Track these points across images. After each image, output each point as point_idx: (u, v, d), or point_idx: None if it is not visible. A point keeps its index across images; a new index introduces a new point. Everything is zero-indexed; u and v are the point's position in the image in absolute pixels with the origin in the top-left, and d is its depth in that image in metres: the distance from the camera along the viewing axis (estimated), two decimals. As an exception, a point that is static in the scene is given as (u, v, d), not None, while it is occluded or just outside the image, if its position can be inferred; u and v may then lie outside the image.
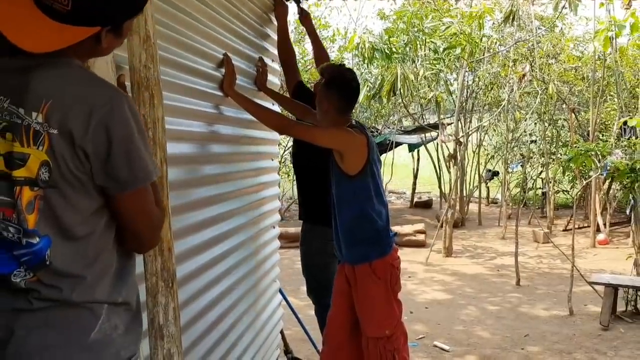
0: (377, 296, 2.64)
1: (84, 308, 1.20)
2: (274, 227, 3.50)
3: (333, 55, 10.95)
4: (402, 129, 13.01)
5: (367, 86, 9.39)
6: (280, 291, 3.77)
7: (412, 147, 13.47)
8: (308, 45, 11.19)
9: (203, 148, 2.40)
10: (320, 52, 3.30)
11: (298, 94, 3.17)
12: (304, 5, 3.39)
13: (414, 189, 14.49)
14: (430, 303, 6.17)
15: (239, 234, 2.79)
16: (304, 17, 3.36)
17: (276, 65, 3.36)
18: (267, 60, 3.24)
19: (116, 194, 1.19)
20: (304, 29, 4.27)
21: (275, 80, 3.43)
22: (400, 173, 16.63)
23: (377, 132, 12.48)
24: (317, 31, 10.73)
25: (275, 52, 3.30)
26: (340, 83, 2.55)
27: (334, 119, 2.60)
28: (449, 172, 9.84)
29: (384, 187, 13.09)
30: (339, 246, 2.73)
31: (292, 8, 3.53)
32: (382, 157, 12.91)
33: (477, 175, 13.16)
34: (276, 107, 3.33)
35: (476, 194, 13.18)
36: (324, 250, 3.05)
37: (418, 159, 14.19)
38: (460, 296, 6.44)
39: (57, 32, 1.12)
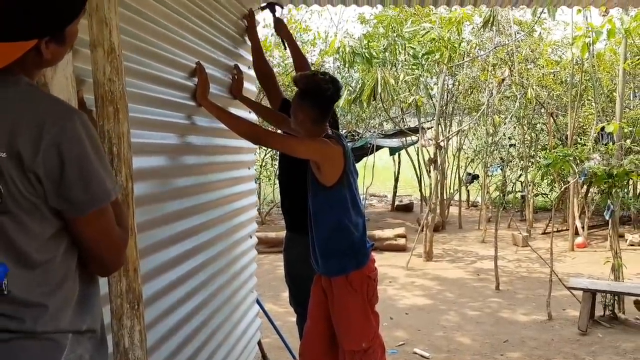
0: (354, 308, 2.59)
1: (47, 339, 1.13)
2: (250, 237, 3.45)
3: (314, 59, 10.92)
4: (383, 132, 13.02)
5: (348, 90, 9.39)
6: (258, 301, 3.72)
7: (393, 151, 13.48)
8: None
9: (174, 160, 2.34)
10: (299, 60, 3.24)
11: (285, 111, 3.11)
12: (278, 13, 3.32)
13: (395, 192, 14.49)
14: (410, 309, 6.14)
15: (214, 246, 2.73)
16: (279, 25, 3.30)
17: (252, 73, 3.30)
18: (243, 68, 3.18)
19: (73, 217, 1.13)
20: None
21: (251, 87, 3.38)
22: (382, 176, 16.63)
23: (358, 135, 12.47)
24: (297, 34, 10.71)
25: (251, 58, 3.24)
26: (314, 93, 2.50)
27: (309, 130, 2.55)
28: (429, 176, 9.86)
29: (365, 190, 13.15)
30: (315, 258, 2.68)
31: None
32: (363, 160, 12.94)
33: (457, 179, 13.21)
34: (253, 116, 3.28)
35: (457, 197, 13.22)
36: (306, 259, 2.99)
37: (399, 163, 14.20)
38: (440, 301, 6.42)
39: None
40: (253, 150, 3.53)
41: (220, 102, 2.82)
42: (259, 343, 3.84)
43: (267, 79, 3.25)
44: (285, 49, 3.36)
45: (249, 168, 3.41)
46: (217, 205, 2.79)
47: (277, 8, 3.31)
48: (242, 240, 3.26)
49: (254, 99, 3.32)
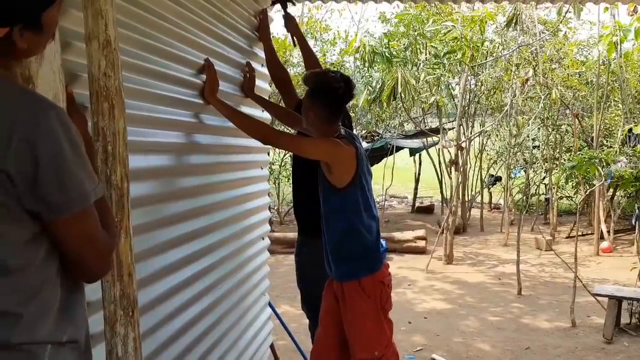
0: (366, 315, 2.49)
1: (22, 351, 1.05)
2: (263, 239, 3.37)
3: (334, 58, 10.84)
4: (404, 133, 12.88)
5: (368, 90, 9.29)
6: (270, 304, 3.64)
7: (413, 152, 13.34)
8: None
9: (180, 159, 2.27)
10: (310, 58, 3.16)
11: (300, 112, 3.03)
12: (290, 10, 3.23)
13: (415, 193, 14.34)
14: (429, 313, 6.02)
15: (222, 249, 2.65)
16: (290, 22, 3.21)
17: (266, 70, 3.22)
18: (256, 66, 3.10)
19: (51, 220, 1.05)
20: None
21: (264, 85, 3.30)
22: (402, 177, 16.47)
23: (378, 136, 12.35)
24: (317, 34, 10.63)
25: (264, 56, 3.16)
26: (324, 92, 2.41)
27: (320, 129, 2.46)
28: (450, 178, 9.69)
29: (385, 191, 13.00)
30: (328, 261, 2.59)
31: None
32: (383, 161, 12.81)
33: (479, 181, 13.00)
34: (266, 115, 3.20)
35: (478, 199, 13.01)
36: (318, 263, 2.91)
37: (420, 163, 14.04)
38: (460, 306, 6.29)
39: None
40: (266, 150, 3.45)
41: (232, 101, 2.75)
42: (272, 346, 3.76)
43: (281, 79, 3.17)
44: (294, 46, 3.27)
45: (261, 168, 3.33)
46: (226, 206, 2.71)
47: (289, 4, 3.22)
48: (254, 242, 3.17)
49: (267, 98, 3.24)
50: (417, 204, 14.30)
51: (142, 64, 1.94)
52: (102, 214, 1.13)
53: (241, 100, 2.90)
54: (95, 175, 1.11)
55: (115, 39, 1.46)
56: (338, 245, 2.51)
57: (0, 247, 1.02)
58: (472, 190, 12.94)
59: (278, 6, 3.28)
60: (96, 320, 1.48)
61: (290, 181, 12.10)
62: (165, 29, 2.11)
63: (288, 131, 3.59)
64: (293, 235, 8.49)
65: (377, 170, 14.16)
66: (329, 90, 2.39)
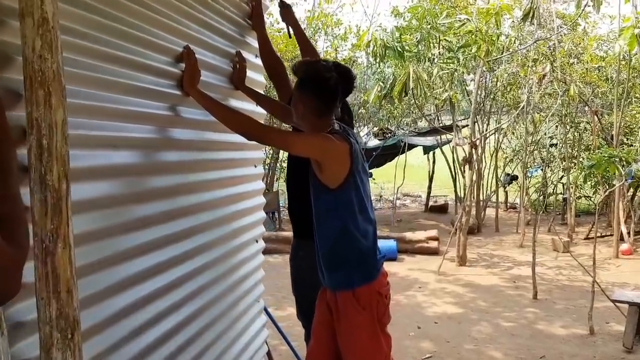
0: (361, 328, 2.26)
1: None
2: (257, 241, 3.15)
3: (345, 53, 10.60)
4: (417, 130, 12.61)
5: (379, 86, 9.04)
6: (266, 310, 3.43)
7: (427, 149, 13.07)
8: (320, 44, 10.85)
9: (154, 156, 2.06)
10: (307, 50, 2.93)
11: None
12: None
13: (429, 192, 14.07)
14: (440, 317, 5.78)
15: (207, 253, 2.45)
16: (286, 11, 2.99)
17: (260, 62, 3.01)
18: (249, 56, 2.89)
19: None
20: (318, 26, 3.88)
21: (258, 77, 3.08)
22: (416, 175, 16.18)
23: (390, 133, 12.10)
24: (328, 28, 10.40)
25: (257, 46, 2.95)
26: (314, 82, 2.18)
27: (311, 123, 2.24)
28: (464, 177, 9.42)
29: (397, 190, 12.76)
30: (320, 268, 2.37)
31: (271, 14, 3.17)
32: (395, 159, 12.56)
33: (494, 179, 12.69)
34: (259, 109, 2.98)
35: (494, 198, 12.70)
36: (314, 266, 2.70)
37: (434, 161, 13.77)
38: (472, 310, 6.04)
39: None
40: (260, 147, 3.23)
41: (219, 93, 2.54)
42: (269, 354, 3.56)
43: (275, 71, 2.96)
44: (290, 37, 3.06)
45: (255, 166, 3.12)
46: (211, 207, 2.50)
47: None
48: (246, 245, 2.97)
49: (261, 91, 3.03)
50: (430, 203, 14.04)
51: (108, 50, 1.74)
52: (4, 225, 0.92)
53: (230, 93, 2.69)
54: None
55: (54, 16, 1.25)
56: (330, 251, 2.28)
57: None
58: (487, 189, 12.65)
59: None
60: (31, 344, 1.28)
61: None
62: (135, 12, 1.90)
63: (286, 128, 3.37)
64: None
65: (389, 168, 13.96)
66: (319, 81, 2.17)
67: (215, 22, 2.53)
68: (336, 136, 2.19)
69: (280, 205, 11.24)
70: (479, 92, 9.29)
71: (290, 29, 3.02)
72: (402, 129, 12.27)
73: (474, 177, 8.96)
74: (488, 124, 11.72)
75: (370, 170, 8.64)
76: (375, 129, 12.69)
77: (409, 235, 9.13)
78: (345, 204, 2.22)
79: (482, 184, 11.56)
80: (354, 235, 2.25)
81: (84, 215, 1.57)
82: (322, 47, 11.16)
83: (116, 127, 1.80)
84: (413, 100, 9.06)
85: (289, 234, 9.27)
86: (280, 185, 13.53)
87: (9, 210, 0.96)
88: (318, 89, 2.18)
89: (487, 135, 10.83)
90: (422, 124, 13.22)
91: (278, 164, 11.89)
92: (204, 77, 2.31)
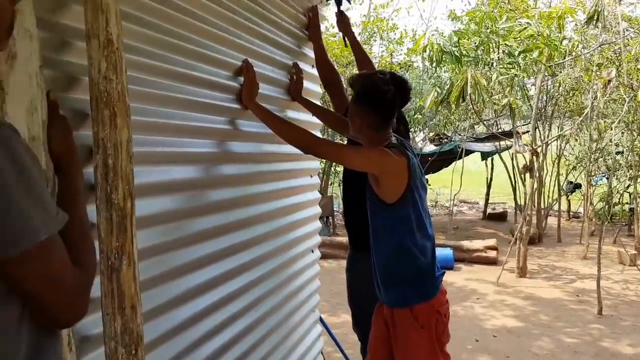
0: (419, 347, 2.20)
1: None
2: (312, 251, 3.14)
3: (400, 58, 10.50)
4: (475, 136, 12.34)
5: (435, 91, 8.91)
6: (322, 320, 3.42)
7: (485, 155, 12.77)
8: (375, 48, 10.80)
9: (214, 170, 2.08)
10: (363, 60, 2.90)
11: None
12: (344, 7, 2.99)
13: (487, 199, 13.73)
14: (499, 331, 5.61)
15: (265, 264, 2.45)
16: (342, 20, 2.97)
17: (316, 72, 3.00)
18: (306, 67, 2.89)
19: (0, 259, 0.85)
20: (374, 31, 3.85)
21: (314, 88, 3.08)
22: (474, 181, 15.83)
23: (446, 138, 11.89)
24: (384, 33, 10.33)
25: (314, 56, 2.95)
26: (371, 96, 2.15)
27: (368, 137, 2.21)
28: (524, 185, 9.14)
29: (453, 197, 12.51)
30: (377, 284, 2.33)
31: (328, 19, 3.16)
32: (452, 165, 12.33)
33: (557, 187, 12.25)
34: (315, 119, 2.98)
35: (556, 207, 12.26)
36: (370, 279, 2.66)
37: (492, 168, 13.42)
38: (533, 324, 5.83)
39: None
40: (316, 157, 3.22)
41: (276, 104, 2.55)
42: (323, 364, 3.54)
43: (330, 81, 2.95)
44: (346, 46, 3.04)
45: (310, 176, 3.11)
46: (268, 219, 2.51)
47: (344, 1, 2.98)
48: (302, 255, 2.96)
49: (317, 101, 3.02)
50: (488, 211, 13.70)
51: (169, 67, 1.77)
52: (74, 248, 0.93)
53: (287, 104, 2.69)
54: (52, 204, 0.90)
55: (118, 38, 1.28)
56: (388, 267, 2.24)
57: None
58: (548, 197, 12.22)
59: (332, 3, 3.06)
60: (97, 357, 1.31)
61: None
62: (197, 28, 1.93)
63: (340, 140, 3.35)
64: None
65: (445, 174, 13.72)
66: (377, 94, 2.14)
67: (273, 35, 2.54)
68: (394, 150, 2.15)
69: (334, 209, 11.23)
70: (540, 96, 8.99)
71: (347, 40, 3.01)
72: (459, 134, 12.03)
73: (535, 185, 8.67)
74: (549, 130, 11.33)
75: (425, 176, 8.51)
76: (431, 134, 12.51)
77: (466, 243, 8.93)
78: (402, 220, 2.17)
79: (544, 192, 11.18)
80: (412, 252, 2.20)
81: (145, 230, 1.59)
82: (377, 51, 11.12)
83: (178, 143, 1.82)
84: (471, 106, 8.87)
85: (343, 239, 9.25)
86: (334, 190, 13.53)
87: (77, 232, 0.97)
88: (375, 102, 2.15)
89: (549, 142, 10.48)
90: (480, 129, 12.93)
91: (332, 169, 11.89)
92: (261, 89, 2.32)
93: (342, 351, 3.77)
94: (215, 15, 2.05)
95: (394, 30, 10.34)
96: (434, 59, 7.74)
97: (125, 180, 1.28)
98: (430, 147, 12.70)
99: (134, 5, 1.59)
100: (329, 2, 3.06)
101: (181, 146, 1.86)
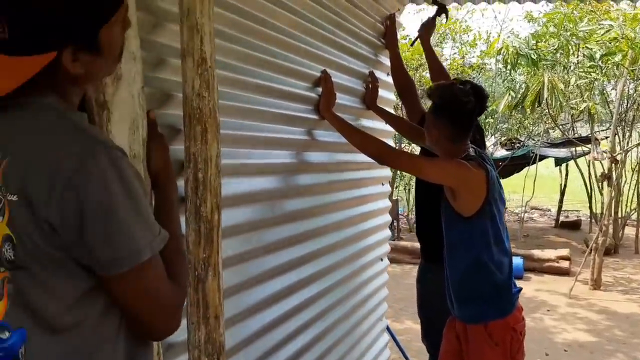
0: (493, 365, 2.16)
1: None
2: (382, 260, 3.14)
3: (473, 60, 10.29)
4: (549, 141, 11.90)
5: (510, 95, 8.68)
6: (389, 329, 3.41)
7: (559, 161, 12.28)
8: (446, 50, 10.63)
9: (291, 180, 2.12)
10: (437, 69, 2.86)
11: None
12: (442, 18, 2.96)
13: (560, 206, 13.20)
14: (570, 345, 5.41)
15: (335, 272, 2.48)
16: (428, 26, 2.93)
17: (390, 80, 3.00)
18: (381, 75, 2.89)
19: (102, 276, 0.91)
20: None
21: (389, 95, 3.07)
22: (546, 187, 15.27)
23: (519, 143, 11.54)
24: (457, 36, 10.16)
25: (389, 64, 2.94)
26: (450, 107, 2.12)
27: (445, 149, 2.18)
28: (601, 194, 8.74)
29: (525, 203, 12.10)
30: (450, 298, 2.29)
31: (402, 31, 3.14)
32: (524, 170, 11.94)
33: (636, 196, 11.63)
34: (389, 128, 2.97)
35: (634, 216, 11.64)
36: (442, 293, 2.63)
37: (566, 174, 12.90)
38: (607, 340, 5.58)
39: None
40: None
41: (351, 113, 2.57)
42: (389, 373, 3.53)
43: (405, 89, 2.92)
44: (412, 46, 3.00)
45: (382, 184, 3.11)
46: (340, 227, 2.53)
47: (443, 15, 2.96)
48: (372, 264, 2.97)
49: (391, 109, 3.01)
50: (561, 218, 13.17)
51: (251, 80, 1.81)
52: (169, 263, 0.98)
53: (362, 113, 2.70)
54: (155, 224, 0.95)
55: (211, 56, 1.32)
56: (461, 282, 2.21)
57: (51, 303, 0.89)
58: (627, 206, 11.63)
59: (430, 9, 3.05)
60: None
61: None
62: (281, 42, 1.97)
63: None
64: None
65: (517, 179, 13.28)
66: (456, 106, 2.10)
67: (351, 45, 2.56)
68: (472, 163, 2.11)
69: (399, 213, 11.14)
70: (622, 101, 8.57)
71: (417, 40, 2.97)
72: (533, 139, 11.64)
73: (613, 194, 8.28)
74: (630, 136, 10.78)
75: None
76: (503, 138, 12.17)
77: (537, 253, 8.63)
78: (479, 234, 2.13)
79: (621, 201, 10.65)
80: (488, 268, 2.15)
81: (227, 240, 1.64)
82: (449, 53, 10.93)
83: (259, 155, 1.87)
84: (546, 110, 8.57)
85: (408, 243, 9.16)
86: (399, 193, 13.41)
87: (172, 247, 1.02)
88: (454, 114, 2.12)
89: (629, 149, 9.97)
90: (555, 134, 12.46)
91: (397, 172, 11.79)
92: (338, 99, 2.35)
93: (405, 357, 3.74)
94: (299, 29, 2.08)
95: (467, 33, 10.15)
96: (509, 61, 7.56)
97: (213, 194, 1.33)
98: (501, 152, 12.35)
99: (222, 21, 1.64)
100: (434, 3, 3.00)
101: (261, 158, 1.91)
